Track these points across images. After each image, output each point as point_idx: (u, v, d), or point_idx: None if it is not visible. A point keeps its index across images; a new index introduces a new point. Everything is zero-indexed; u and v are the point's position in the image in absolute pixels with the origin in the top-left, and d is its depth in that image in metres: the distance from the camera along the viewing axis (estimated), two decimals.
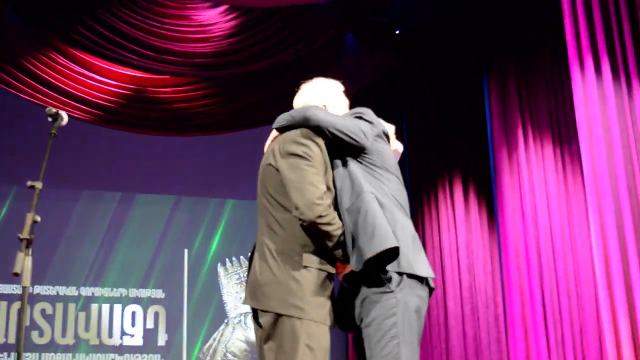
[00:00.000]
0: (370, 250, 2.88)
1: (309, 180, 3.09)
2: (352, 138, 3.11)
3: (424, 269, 3.04)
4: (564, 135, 7.05)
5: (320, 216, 3.02)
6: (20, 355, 2.91)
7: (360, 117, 3.26)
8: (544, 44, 7.24)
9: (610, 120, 5.31)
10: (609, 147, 5.29)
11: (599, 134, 5.34)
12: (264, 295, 3.06)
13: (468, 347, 7.58)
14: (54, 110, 3.39)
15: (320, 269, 3.09)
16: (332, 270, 3.13)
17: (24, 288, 2.93)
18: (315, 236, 3.08)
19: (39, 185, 3.13)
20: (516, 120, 7.20)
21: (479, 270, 7.76)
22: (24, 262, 2.91)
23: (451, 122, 8.24)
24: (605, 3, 5.52)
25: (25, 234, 2.96)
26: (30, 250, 2.96)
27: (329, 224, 3.05)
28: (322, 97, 3.49)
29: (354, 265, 2.97)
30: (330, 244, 3.08)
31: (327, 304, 3.09)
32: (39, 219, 3.05)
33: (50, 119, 3.40)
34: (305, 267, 3.07)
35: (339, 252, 3.09)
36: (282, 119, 3.27)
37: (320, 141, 3.18)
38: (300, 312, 3.00)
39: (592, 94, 5.39)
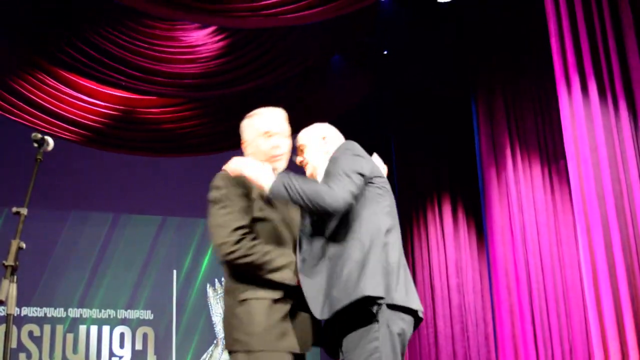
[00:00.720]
0: (340, 303, 2.94)
1: (217, 223, 3.24)
2: (322, 209, 3.08)
3: (413, 301, 3.11)
4: (551, 154, 7.08)
5: (230, 253, 3.15)
6: None
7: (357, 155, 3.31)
8: (530, 64, 7.29)
9: (597, 139, 5.33)
10: (596, 166, 5.30)
11: (586, 154, 5.35)
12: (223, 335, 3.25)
13: None
14: (39, 135, 3.38)
15: (258, 299, 3.16)
16: (276, 294, 3.17)
17: (8, 315, 2.91)
18: (243, 270, 3.19)
19: (24, 211, 3.11)
20: (504, 140, 7.23)
21: (469, 289, 7.76)
22: (9, 289, 2.89)
23: (439, 142, 8.27)
24: (591, 23, 5.54)
25: (10, 261, 2.94)
26: (15, 277, 2.95)
27: (245, 256, 3.16)
28: (322, 132, 3.63)
29: (318, 313, 3.02)
30: (261, 272, 3.17)
31: (277, 329, 3.13)
32: (24, 245, 3.03)
33: (35, 145, 3.39)
34: (241, 301, 3.17)
35: (278, 275, 3.17)
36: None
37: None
38: (244, 345, 3.10)
39: (579, 114, 5.41)
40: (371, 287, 2.94)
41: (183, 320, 8.84)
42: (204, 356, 8.87)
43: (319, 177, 3.41)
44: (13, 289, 2.90)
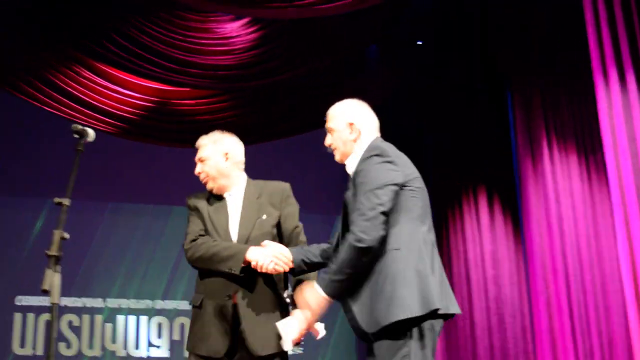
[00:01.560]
0: (387, 319, 3.02)
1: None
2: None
3: (451, 305, 3.20)
4: (588, 145, 7.00)
5: (186, 252, 3.75)
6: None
7: (388, 162, 3.30)
8: (567, 54, 7.20)
9: (636, 130, 5.26)
10: (634, 157, 5.24)
11: (624, 144, 5.29)
12: None
13: (495, 359, 7.52)
14: (79, 127, 3.41)
15: (192, 306, 3.77)
16: (195, 302, 3.73)
17: (53, 305, 2.94)
18: (199, 268, 3.77)
19: (66, 202, 3.14)
20: (540, 130, 7.15)
21: (505, 281, 7.70)
22: (53, 279, 2.92)
23: (475, 134, 8.19)
24: (629, 12, 5.47)
25: (53, 251, 2.97)
26: (59, 267, 2.97)
27: (195, 252, 3.70)
28: (349, 117, 3.56)
29: (365, 326, 3.09)
30: (211, 263, 3.65)
31: (196, 334, 3.69)
32: (67, 235, 3.06)
33: (76, 136, 3.42)
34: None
35: (224, 265, 3.60)
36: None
37: (197, 194, 3.93)
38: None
39: (617, 105, 5.35)
40: (409, 307, 3.01)
41: None
42: None
43: (349, 169, 3.47)
44: (57, 278, 2.93)
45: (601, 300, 6.62)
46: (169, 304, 8.81)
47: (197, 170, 3.94)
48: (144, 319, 8.71)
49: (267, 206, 3.84)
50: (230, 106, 8.36)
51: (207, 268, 3.67)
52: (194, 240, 3.75)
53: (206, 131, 8.42)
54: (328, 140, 3.58)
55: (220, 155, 3.92)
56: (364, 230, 3.08)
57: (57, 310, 3.00)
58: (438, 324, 3.15)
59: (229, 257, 3.59)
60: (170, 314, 8.80)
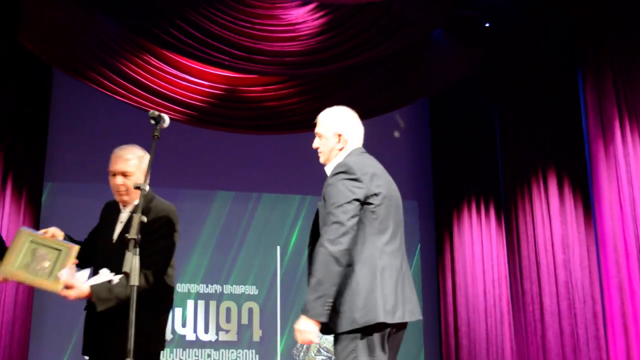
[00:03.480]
0: (339, 328, 3.52)
1: None
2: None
3: (404, 315, 3.62)
4: None
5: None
6: (130, 352, 3.00)
7: (350, 179, 3.66)
8: None
9: None
10: None
11: None
12: None
13: (565, 344, 7.43)
14: (156, 113, 3.49)
15: None
16: None
17: (132, 286, 3.02)
18: None
19: (145, 186, 3.21)
20: (612, 112, 7.01)
21: (576, 265, 7.59)
22: (132, 262, 3.00)
23: (545, 115, 8.07)
24: None
25: (132, 234, 3.05)
26: (138, 250, 3.05)
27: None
28: (338, 128, 3.96)
29: (339, 327, 3.53)
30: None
31: None
32: (145, 219, 3.14)
33: (152, 122, 3.49)
34: None
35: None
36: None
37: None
38: None
39: None
40: (354, 320, 3.49)
41: (288, 295, 8.97)
42: None
43: (328, 172, 3.85)
44: (136, 261, 3.01)
45: None
46: (238, 289, 8.91)
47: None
48: (213, 303, 8.82)
49: None
50: (297, 92, 8.41)
51: None
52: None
53: (273, 117, 8.55)
54: (316, 144, 3.97)
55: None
56: (332, 240, 3.47)
57: (135, 292, 3.07)
58: (388, 330, 3.59)
59: None
60: (239, 299, 8.91)
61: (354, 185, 3.61)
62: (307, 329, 3.48)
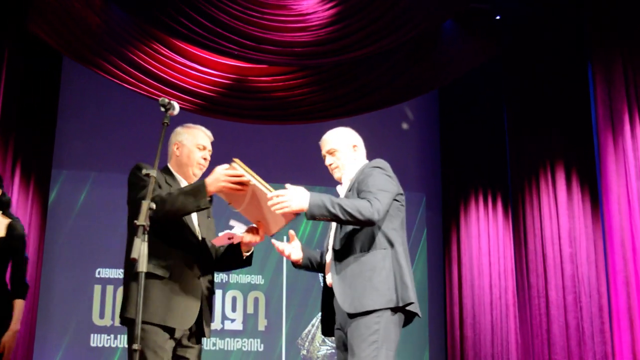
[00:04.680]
0: (368, 305, 3.66)
1: None
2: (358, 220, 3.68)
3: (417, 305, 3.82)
4: None
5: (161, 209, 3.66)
6: (137, 337, 3.02)
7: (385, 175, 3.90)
8: None
9: None
10: None
11: None
12: None
13: (570, 338, 7.43)
14: (166, 100, 3.51)
15: (152, 276, 3.72)
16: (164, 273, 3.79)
17: (140, 272, 3.04)
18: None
19: (153, 173, 3.23)
20: (622, 105, 6.98)
21: (582, 259, 7.58)
22: (141, 248, 3.01)
23: (554, 108, 8.06)
24: None
25: (141, 221, 3.06)
26: (146, 236, 3.06)
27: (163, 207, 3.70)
28: (353, 140, 4.17)
29: (347, 307, 3.70)
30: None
31: (160, 305, 3.76)
32: (154, 206, 3.16)
33: (162, 109, 3.51)
34: None
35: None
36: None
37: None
38: None
39: None
40: (387, 299, 3.68)
41: (293, 285, 9.00)
42: (313, 321, 9.01)
43: (344, 183, 4.06)
44: (144, 247, 3.02)
45: None
46: (243, 278, 8.94)
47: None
48: (219, 292, 8.85)
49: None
50: (306, 83, 8.42)
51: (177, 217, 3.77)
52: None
53: (282, 107, 8.56)
54: (329, 161, 4.14)
55: None
56: (379, 210, 3.66)
57: (143, 278, 3.08)
58: (402, 317, 3.77)
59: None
60: (245, 288, 8.93)
61: (390, 181, 3.86)
62: (297, 198, 3.64)
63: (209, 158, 4.24)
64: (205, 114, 8.19)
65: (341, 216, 3.61)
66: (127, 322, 3.72)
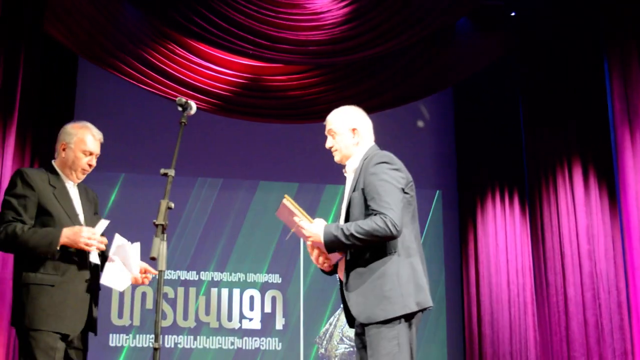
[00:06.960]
0: (386, 315, 3.57)
1: None
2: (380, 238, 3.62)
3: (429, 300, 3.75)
4: None
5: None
6: (158, 336, 3.03)
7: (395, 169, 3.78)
8: None
9: None
10: None
11: None
12: None
13: (589, 335, 7.39)
14: (184, 100, 3.52)
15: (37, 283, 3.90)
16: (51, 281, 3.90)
17: (160, 271, 3.04)
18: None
19: (171, 172, 3.24)
20: (639, 100, 6.94)
21: (601, 256, 7.53)
22: (160, 247, 3.02)
23: (570, 104, 8.01)
24: None
25: (160, 220, 3.07)
26: (165, 235, 3.07)
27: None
28: (353, 122, 4.04)
29: (361, 319, 3.65)
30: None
31: (47, 311, 3.85)
32: (172, 205, 3.16)
33: (180, 109, 3.52)
34: None
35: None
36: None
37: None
38: None
39: None
40: (406, 305, 3.59)
41: (311, 284, 9.00)
42: (331, 319, 9.01)
43: (349, 173, 3.95)
44: (163, 246, 3.03)
45: None
46: (261, 277, 8.96)
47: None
48: (236, 291, 8.87)
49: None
50: (321, 81, 8.43)
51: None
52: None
53: (297, 106, 8.59)
54: (329, 143, 4.03)
55: None
56: (394, 222, 3.54)
57: (163, 277, 3.10)
58: (419, 317, 3.70)
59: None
60: (262, 287, 8.95)
61: (398, 175, 3.73)
62: (315, 234, 3.68)
63: (94, 163, 4.28)
64: (220, 114, 8.23)
65: (360, 244, 3.60)
66: (20, 330, 3.83)
